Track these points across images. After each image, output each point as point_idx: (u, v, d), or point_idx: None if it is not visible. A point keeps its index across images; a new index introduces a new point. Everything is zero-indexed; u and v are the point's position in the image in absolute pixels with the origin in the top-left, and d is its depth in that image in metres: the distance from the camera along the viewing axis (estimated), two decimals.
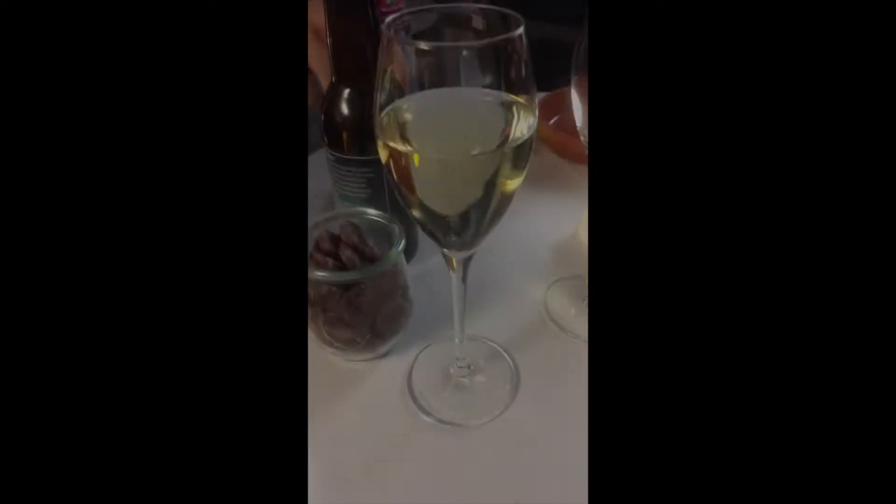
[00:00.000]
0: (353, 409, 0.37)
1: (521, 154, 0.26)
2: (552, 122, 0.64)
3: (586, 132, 0.34)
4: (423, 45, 0.22)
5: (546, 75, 0.48)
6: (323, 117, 0.41)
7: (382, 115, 0.26)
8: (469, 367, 0.39)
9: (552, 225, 0.52)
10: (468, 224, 0.28)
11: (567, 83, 0.34)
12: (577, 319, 0.43)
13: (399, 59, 0.24)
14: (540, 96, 0.67)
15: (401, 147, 0.26)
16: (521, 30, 0.23)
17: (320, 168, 0.46)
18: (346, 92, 0.39)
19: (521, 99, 0.26)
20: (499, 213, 0.28)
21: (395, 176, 0.27)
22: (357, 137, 0.40)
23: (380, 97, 0.25)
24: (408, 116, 0.26)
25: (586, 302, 0.44)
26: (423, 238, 0.48)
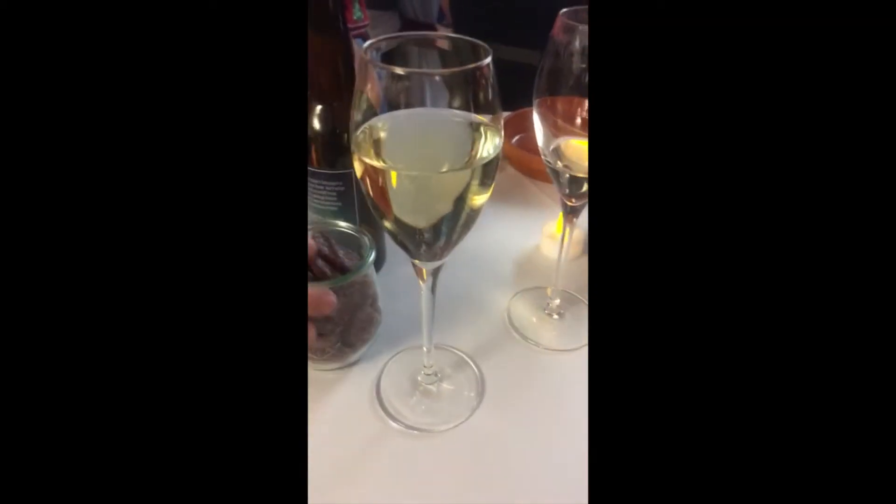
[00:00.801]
0: (323, 416, 0.37)
1: (487, 171, 0.28)
2: (515, 140, 0.67)
3: (547, 152, 0.37)
4: (399, 71, 0.24)
5: (510, 95, 0.51)
6: None
7: (358, 132, 0.27)
8: (436, 375, 0.40)
9: (515, 238, 0.55)
10: (438, 236, 0.29)
11: (530, 104, 0.36)
12: (538, 328, 0.45)
13: (374, 81, 0.25)
14: (504, 115, 0.70)
15: (375, 163, 0.27)
16: (489, 59, 0.25)
17: None
18: (318, 108, 0.40)
19: (487, 120, 0.28)
20: (467, 226, 0.30)
21: (369, 190, 0.28)
22: (328, 152, 0.41)
23: (356, 115, 0.27)
24: (382, 134, 0.28)
25: (547, 311, 0.47)
26: (390, 249, 0.50)
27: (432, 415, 0.38)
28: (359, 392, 0.39)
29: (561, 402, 0.39)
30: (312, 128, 0.41)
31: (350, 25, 1.17)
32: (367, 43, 0.25)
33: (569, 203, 0.39)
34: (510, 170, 0.66)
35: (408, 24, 1.97)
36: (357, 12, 1.18)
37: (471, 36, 0.27)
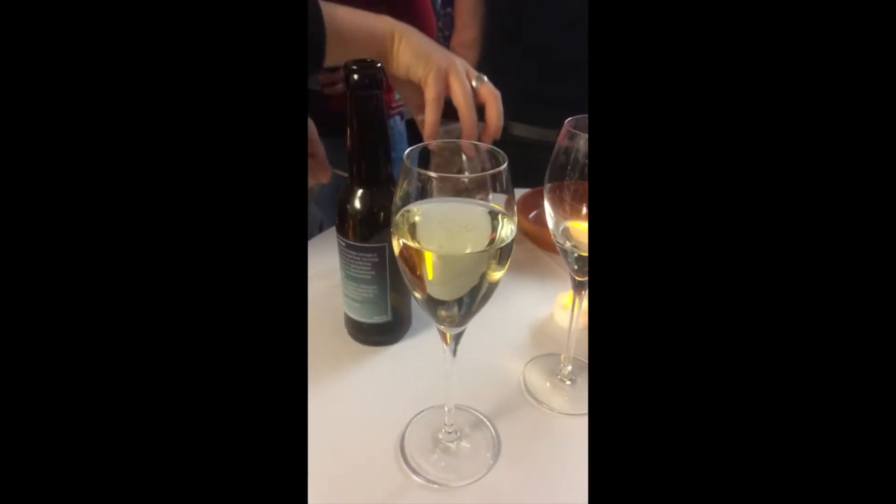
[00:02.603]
0: (350, 467, 0.41)
1: (504, 252, 0.33)
2: (531, 216, 0.73)
3: (557, 234, 0.42)
4: (433, 175, 0.30)
5: (529, 172, 0.56)
6: (337, 211, 0.48)
7: (397, 216, 0.33)
8: (456, 433, 0.43)
9: (531, 308, 0.59)
10: (461, 306, 0.34)
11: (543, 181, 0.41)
12: (551, 393, 0.48)
13: (413, 181, 0.31)
14: (522, 192, 0.76)
15: (411, 243, 0.32)
16: (505, 165, 0.31)
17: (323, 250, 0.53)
18: (359, 192, 0.47)
19: (502, 209, 0.33)
20: (486, 297, 0.35)
21: (405, 265, 0.33)
22: (365, 228, 0.47)
23: (396, 202, 0.33)
24: (417, 219, 0.34)
25: (560, 377, 0.50)
26: (415, 317, 0.55)
27: (451, 471, 0.41)
28: (385, 445, 0.43)
29: (571, 464, 0.42)
30: (353, 207, 0.47)
31: (393, 105, 1.29)
32: (408, 151, 0.31)
33: (577, 278, 0.43)
34: (527, 243, 0.71)
35: None
36: (398, 94, 1.30)
37: None
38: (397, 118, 1.32)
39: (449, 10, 1.83)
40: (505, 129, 1.17)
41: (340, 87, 0.93)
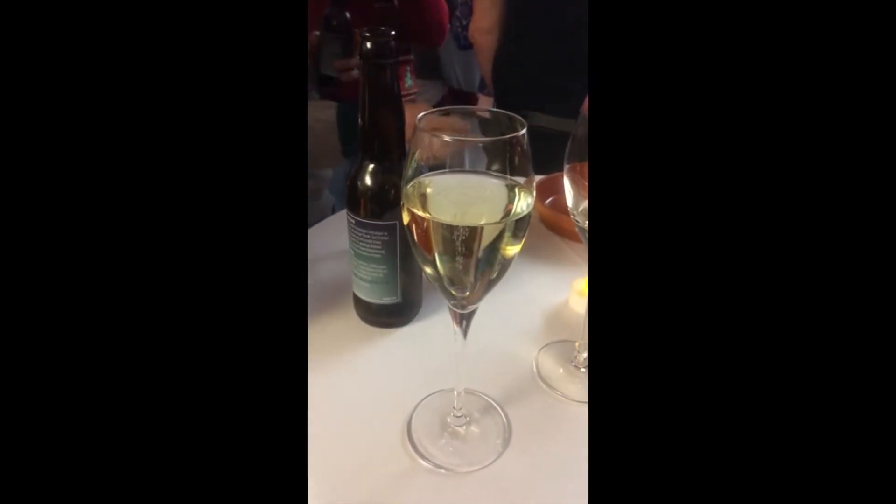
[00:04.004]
0: (356, 450, 0.39)
1: (520, 226, 0.32)
2: (548, 202, 0.71)
3: (576, 212, 0.40)
4: (448, 138, 0.28)
5: (545, 160, 0.55)
6: (348, 187, 0.47)
7: (408, 186, 0.31)
8: (465, 418, 0.42)
9: (546, 293, 0.57)
10: (473, 282, 0.33)
11: (562, 168, 0.40)
12: (565, 380, 0.47)
13: (426, 145, 0.30)
14: (538, 178, 0.74)
15: (422, 213, 0.31)
16: (524, 130, 0.29)
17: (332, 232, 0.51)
18: (371, 167, 0.45)
19: (521, 182, 0.32)
20: (500, 274, 0.33)
21: (415, 237, 0.32)
22: (376, 205, 0.46)
23: (407, 172, 0.31)
24: (429, 190, 0.32)
25: (574, 364, 0.48)
26: (426, 298, 0.53)
27: (460, 456, 0.40)
28: (392, 428, 0.41)
29: (582, 453, 0.40)
30: (364, 183, 0.46)
31: (403, 92, 1.27)
32: (422, 114, 0.30)
33: None
34: (543, 229, 0.69)
35: (452, 92, 2.11)
36: (409, 81, 1.29)
37: (509, 105, 0.31)
38: None
39: None
40: (524, 118, 1.16)
41: (356, 73, 0.91)
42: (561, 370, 0.48)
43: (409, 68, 1.29)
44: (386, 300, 0.50)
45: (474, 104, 2.07)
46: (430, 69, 2.00)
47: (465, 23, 1.74)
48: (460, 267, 0.32)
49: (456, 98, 2.11)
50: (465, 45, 1.83)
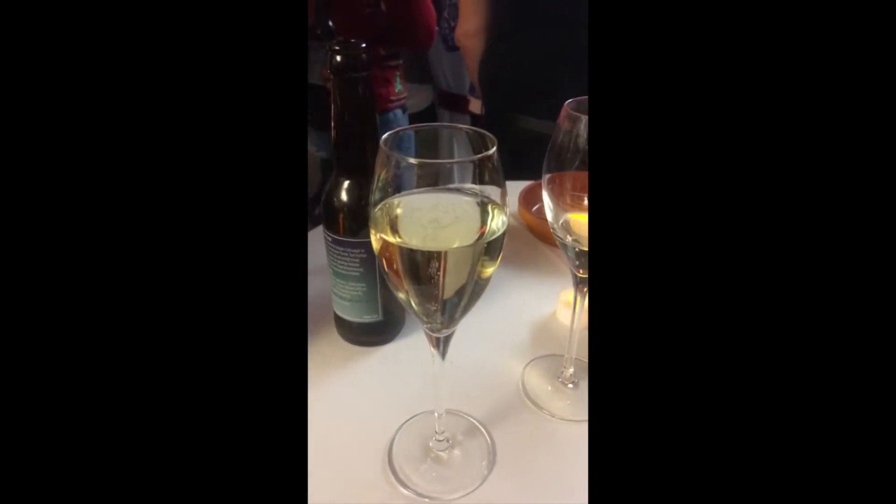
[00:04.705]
0: (332, 478, 0.38)
1: (494, 247, 0.30)
2: (535, 209, 0.70)
3: (556, 226, 0.39)
4: (414, 161, 0.27)
5: (533, 164, 0.53)
6: (323, 204, 0.45)
7: (376, 209, 0.30)
8: (447, 441, 0.41)
9: (532, 305, 0.56)
10: (448, 306, 0.31)
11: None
12: (552, 397, 0.45)
13: (392, 166, 0.28)
14: (525, 185, 0.73)
15: (390, 238, 0.29)
16: (494, 148, 0.28)
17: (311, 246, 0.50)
18: (346, 183, 0.44)
19: (494, 198, 0.30)
20: (475, 296, 0.31)
21: (384, 263, 0.30)
22: (352, 222, 0.44)
23: (374, 195, 0.30)
24: (398, 212, 0.30)
25: (561, 380, 0.47)
26: (409, 314, 0.52)
27: (442, 482, 0.38)
28: (372, 455, 0.40)
29: (571, 474, 0.39)
30: (340, 199, 0.44)
31: (392, 98, 1.26)
32: (386, 135, 0.28)
33: (579, 275, 0.40)
34: (529, 237, 0.68)
35: (442, 94, 2.09)
36: (398, 86, 1.28)
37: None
38: (398, 111, 1.29)
39: (454, 0, 1.80)
40: (511, 121, 1.14)
41: None
42: (549, 387, 0.46)
43: (398, 73, 1.28)
44: (367, 318, 0.48)
45: (465, 106, 2.05)
46: (419, 72, 1.99)
47: (452, 24, 1.73)
48: (433, 293, 0.30)
49: (446, 100, 2.10)
50: (454, 47, 1.82)
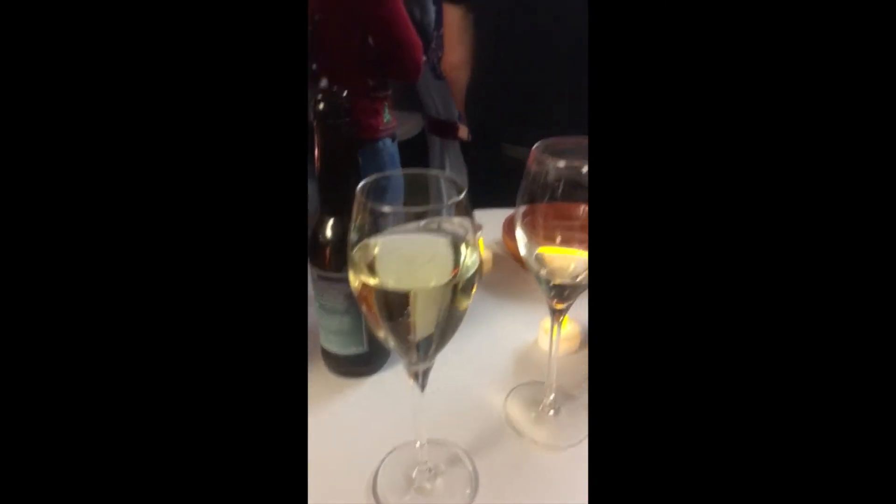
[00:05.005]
0: None
1: (468, 284, 0.32)
2: None
3: (531, 259, 0.41)
4: (387, 209, 0.29)
5: (517, 192, 0.55)
6: (308, 241, 0.47)
7: (354, 251, 0.32)
8: (430, 471, 0.42)
9: (514, 333, 0.57)
10: (422, 344, 0.33)
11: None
12: (534, 425, 0.46)
13: (368, 212, 0.30)
14: (509, 212, 0.75)
15: (367, 279, 0.31)
16: (464, 194, 0.30)
17: None
18: (330, 220, 0.46)
19: (467, 238, 0.32)
20: (448, 335, 0.33)
21: (363, 302, 0.32)
22: (337, 258, 0.46)
23: (352, 237, 0.31)
24: (375, 252, 0.32)
25: (542, 407, 0.48)
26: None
27: None
28: (357, 487, 0.41)
29: (553, 501, 0.40)
30: (325, 236, 0.46)
31: (381, 127, 1.29)
32: (362, 183, 0.30)
33: (555, 307, 0.42)
34: (512, 264, 0.70)
35: (432, 121, 2.13)
36: (386, 116, 1.31)
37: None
38: (388, 140, 1.32)
39: (441, 31, 1.85)
40: (499, 150, 1.16)
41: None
42: (532, 414, 0.48)
43: (386, 103, 1.31)
44: (353, 350, 0.50)
45: (454, 133, 2.09)
46: (409, 100, 2.03)
47: (440, 55, 1.78)
48: (411, 331, 0.32)
49: (437, 127, 2.14)
50: (441, 76, 1.87)
